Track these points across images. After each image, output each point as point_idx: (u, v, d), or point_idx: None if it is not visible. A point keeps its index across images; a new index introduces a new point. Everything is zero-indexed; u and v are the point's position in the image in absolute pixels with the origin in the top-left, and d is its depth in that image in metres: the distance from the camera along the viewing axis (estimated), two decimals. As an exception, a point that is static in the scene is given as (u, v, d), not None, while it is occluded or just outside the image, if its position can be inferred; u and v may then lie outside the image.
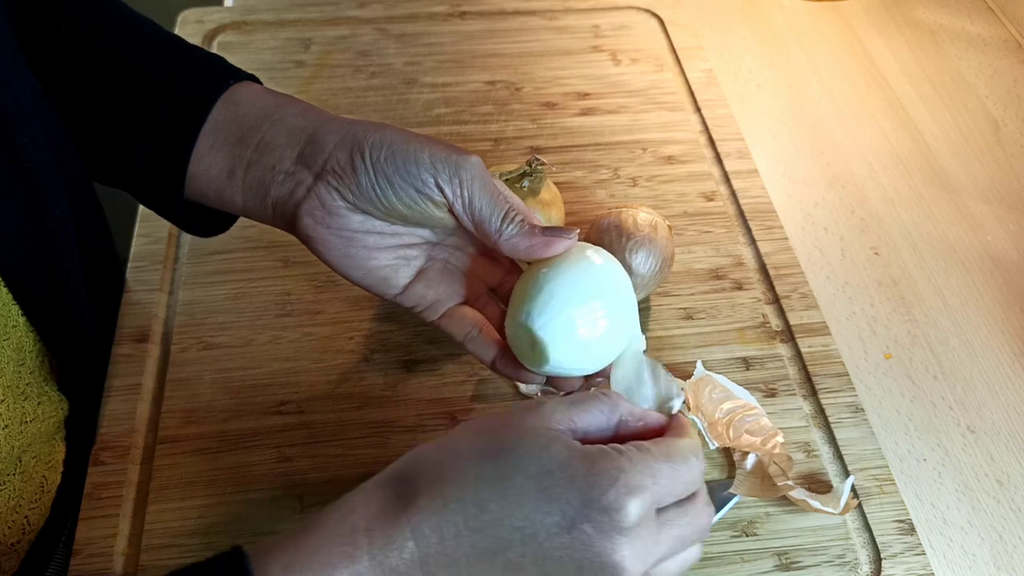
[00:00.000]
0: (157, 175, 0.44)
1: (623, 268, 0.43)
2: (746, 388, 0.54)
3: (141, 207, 0.62)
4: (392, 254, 0.43)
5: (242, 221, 0.61)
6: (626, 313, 0.42)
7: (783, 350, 0.56)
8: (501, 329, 0.43)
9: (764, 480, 0.49)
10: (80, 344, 0.50)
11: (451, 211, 0.40)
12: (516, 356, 0.42)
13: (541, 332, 0.40)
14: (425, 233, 0.43)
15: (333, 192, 0.41)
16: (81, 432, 0.52)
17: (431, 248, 0.44)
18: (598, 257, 0.42)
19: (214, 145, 0.43)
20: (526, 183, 0.55)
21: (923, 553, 0.47)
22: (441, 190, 0.40)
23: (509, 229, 0.40)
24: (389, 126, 0.42)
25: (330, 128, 0.42)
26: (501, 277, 0.45)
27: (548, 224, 0.42)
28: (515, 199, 0.41)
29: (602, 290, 0.41)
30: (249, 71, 0.46)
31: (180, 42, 0.48)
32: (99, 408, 0.52)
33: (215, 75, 0.45)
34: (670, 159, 0.67)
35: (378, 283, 0.43)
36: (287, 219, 0.43)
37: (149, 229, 0.61)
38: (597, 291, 0.40)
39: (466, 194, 0.40)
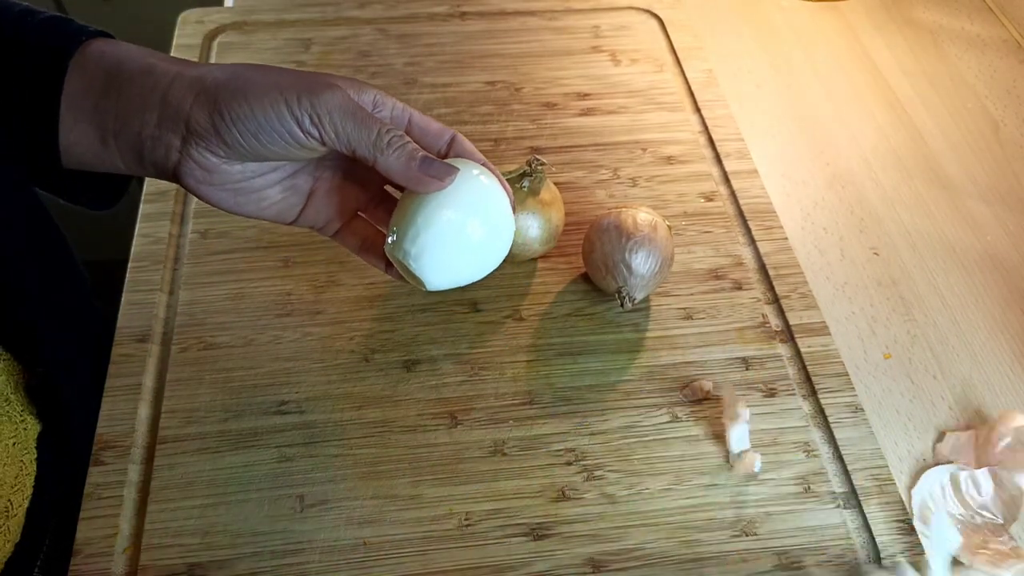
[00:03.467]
0: (33, 159, 0.43)
1: (494, 181, 0.45)
2: (746, 388, 0.54)
3: (142, 207, 0.62)
4: (279, 188, 0.44)
5: (242, 221, 0.61)
6: (497, 224, 0.45)
7: (783, 350, 0.56)
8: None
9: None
10: (39, 357, 0.50)
11: (324, 144, 0.41)
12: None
13: (412, 263, 0.43)
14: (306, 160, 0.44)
15: (204, 152, 0.40)
16: (54, 450, 0.52)
17: (315, 168, 0.45)
18: (465, 180, 0.44)
19: (77, 118, 0.42)
20: (526, 183, 0.55)
21: (922, 553, 0.47)
22: (307, 132, 0.40)
23: (383, 157, 0.41)
24: (240, 70, 0.41)
25: (181, 84, 0.41)
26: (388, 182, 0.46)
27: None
28: (382, 120, 0.41)
29: (472, 209, 0.43)
30: None
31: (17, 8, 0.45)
32: (72, 425, 0.52)
33: (58, 43, 0.42)
34: (670, 159, 0.68)
35: (275, 217, 0.45)
36: (169, 178, 0.43)
37: (149, 229, 0.61)
38: (466, 210, 0.43)
39: (330, 129, 0.40)
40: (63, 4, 1.39)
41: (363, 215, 0.48)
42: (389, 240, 0.44)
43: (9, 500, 0.49)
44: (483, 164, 0.45)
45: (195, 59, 0.73)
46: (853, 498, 0.49)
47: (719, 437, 0.52)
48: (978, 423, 0.55)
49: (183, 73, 0.41)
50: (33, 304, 0.50)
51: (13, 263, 0.48)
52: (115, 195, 0.49)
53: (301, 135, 0.40)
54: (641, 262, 0.53)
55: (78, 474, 0.49)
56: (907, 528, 0.48)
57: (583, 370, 0.54)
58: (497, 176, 0.45)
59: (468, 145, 0.45)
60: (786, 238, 0.62)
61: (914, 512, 0.50)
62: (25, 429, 0.50)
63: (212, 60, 0.73)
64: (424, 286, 0.44)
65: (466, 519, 0.48)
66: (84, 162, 0.43)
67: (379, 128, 0.40)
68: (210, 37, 0.76)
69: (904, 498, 0.50)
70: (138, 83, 0.41)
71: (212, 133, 0.40)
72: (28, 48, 0.41)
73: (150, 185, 0.63)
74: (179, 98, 0.40)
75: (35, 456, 0.51)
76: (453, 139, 0.45)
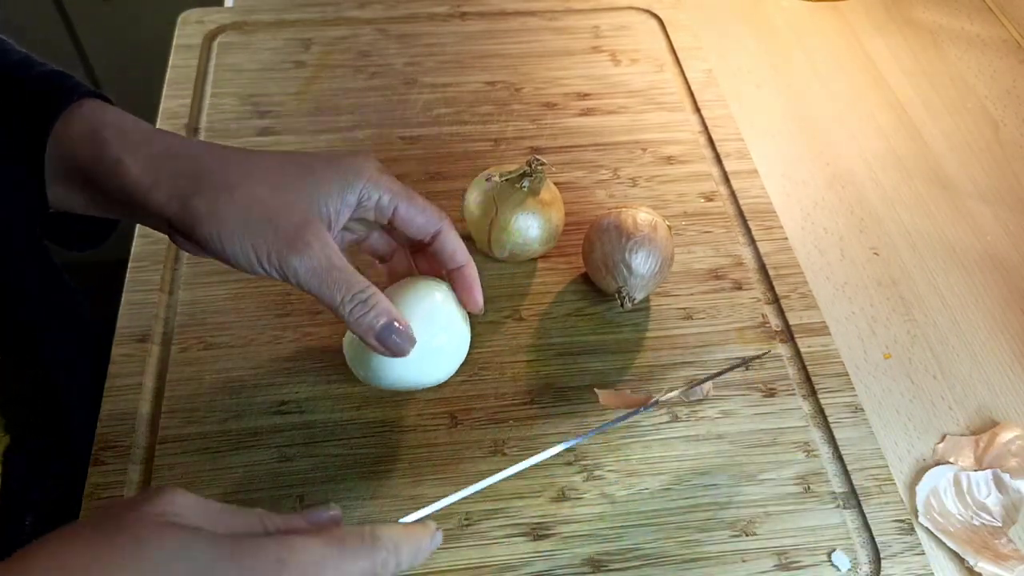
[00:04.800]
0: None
1: (450, 299, 0.48)
2: (746, 388, 0.54)
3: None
4: None
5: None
6: (446, 342, 0.47)
7: (783, 350, 0.56)
8: None
9: None
10: (38, 358, 0.50)
11: None
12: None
13: (360, 372, 0.47)
14: None
15: (190, 245, 0.41)
16: (21, 467, 0.51)
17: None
18: (423, 299, 0.46)
19: (68, 189, 0.41)
20: (526, 183, 0.55)
21: (923, 553, 0.47)
22: (275, 277, 0.40)
23: (348, 319, 0.41)
24: (217, 181, 0.39)
25: (160, 193, 0.39)
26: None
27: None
28: (355, 280, 0.40)
29: (426, 330, 0.45)
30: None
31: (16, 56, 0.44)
32: (72, 425, 0.52)
33: (44, 108, 0.41)
34: (670, 159, 0.68)
35: None
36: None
37: (149, 229, 0.61)
38: (420, 330, 0.45)
39: (297, 283, 0.40)
40: (63, 4, 1.39)
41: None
42: (345, 342, 0.48)
43: None
44: (462, 265, 0.46)
45: (195, 60, 0.73)
46: (853, 498, 0.49)
47: (719, 437, 0.52)
48: (979, 425, 0.55)
49: (164, 175, 0.39)
50: (33, 305, 0.50)
51: (13, 263, 0.48)
52: (102, 236, 0.48)
53: (270, 276, 0.40)
54: (641, 262, 0.53)
55: (78, 474, 0.49)
56: (907, 528, 0.48)
57: (583, 370, 0.54)
58: (469, 281, 0.47)
59: (453, 240, 0.45)
60: (786, 238, 0.62)
61: (919, 509, 0.50)
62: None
63: (212, 60, 0.73)
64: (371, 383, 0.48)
65: (466, 519, 0.48)
66: (72, 209, 0.43)
67: (343, 295, 0.40)
68: (210, 37, 0.76)
69: (904, 498, 0.50)
70: (118, 182, 0.40)
71: (194, 245, 0.40)
72: (15, 104, 0.41)
73: (150, 185, 0.63)
74: (160, 204, 0.39)
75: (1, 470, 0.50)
76: (438, 234, 0.45)
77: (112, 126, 0.40)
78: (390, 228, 0.45)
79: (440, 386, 0.53)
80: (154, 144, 0.40)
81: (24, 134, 0.40)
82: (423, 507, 0.48)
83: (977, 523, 0.50)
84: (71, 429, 0.52)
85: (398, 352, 0.42)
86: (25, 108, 0.41)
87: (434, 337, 0.46)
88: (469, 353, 0.49)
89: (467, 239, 0.60)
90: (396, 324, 0.41)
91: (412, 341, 0.42)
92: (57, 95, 0.41)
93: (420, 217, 0.43)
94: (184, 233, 0.40)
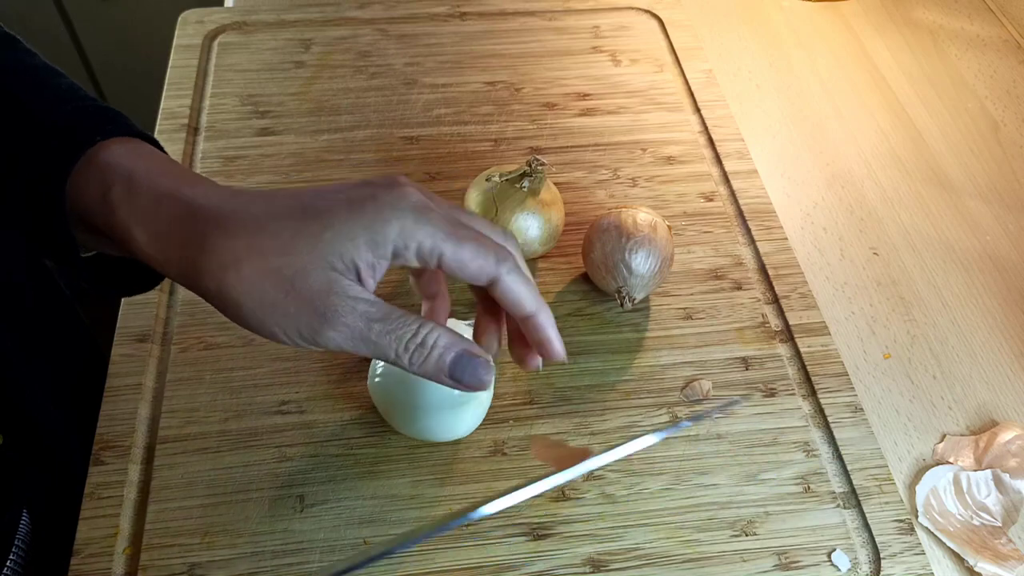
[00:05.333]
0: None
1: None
2: (746, 388, 0.54)
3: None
4: None
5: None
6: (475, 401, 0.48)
7: (782, 350, 0.56)
8: None
9: None
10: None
11: None
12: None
13: (404, 430, 0.49)
14: None
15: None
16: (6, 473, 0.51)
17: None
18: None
19: (95, 237, 0.38)
20: (526, 183, 0.55)
21: (922, 553, 0.47)
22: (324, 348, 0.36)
23: (413, 368, 0.36)
24: (230, 272, 0.34)
25: (171, 269, 0.36)
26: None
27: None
28: (402, 327, 0.35)
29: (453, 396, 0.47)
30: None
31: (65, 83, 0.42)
32: (39, 433, 0.52)
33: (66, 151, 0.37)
34: (670, 159, 0.68)
35: None
36: None
37: (149, 229, 0.61)
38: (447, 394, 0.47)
39: (341, 348, 0.35)
40: (63, 4, 1.39)
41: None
42: (373, 380, 0.48)
43: None
44: (531, 315, 0.38)
45: (195, 60, 0.73)
46: (853, 498, 0.49)
47: (719, 437, 0.52)
48: (978, 425, 0.55)
49: (168, 257, 0.36)
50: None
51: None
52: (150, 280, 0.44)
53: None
54: (641, 262, 0.53)
55: (56, 482, 0.49)
56: (907, 528, 0.48)
57: (583, 370, 0.54)
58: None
59: (516, 287, 0.37)
60: (786, 238, 0.62)
61: (919, 509, 0.50)
62: None
63: (212, 60, 0.73)
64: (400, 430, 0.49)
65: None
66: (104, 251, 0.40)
67: (395, 349, 0.35)
68: (210, 37, 0.76)
69: (904, 498, 0.50)
70: (138, 248, 0.36)
71: (221, 311, 0.36)
72: (32, 162, 0.38)
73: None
74: (174, 279, 0.36)
75: None
76: (497, 280, 0.37)
77: (121, 184, 0.36)
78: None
79: (440, 386, 0.53)
80: (161, 207, 0.36)
81: (42, 195, 0.37)
82: (423, 508, 0.48)
83: (977, 523, 0.50)
84: (39, 437, 0.52)
85: (481, 387, 0.37)
86: (40, 165, 0.38)
87: (455, 392, 0.46)
88: None
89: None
90: (467, 354, 0.36)
91: (491, 369, 0.37)
92: (67, 150, 0.37)
93: (472, 263, 0.36)
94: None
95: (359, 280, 0.35)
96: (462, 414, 0.48)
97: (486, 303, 0.41)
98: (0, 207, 0.38)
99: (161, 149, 0.40)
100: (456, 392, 0.46)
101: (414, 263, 0.35)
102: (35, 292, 0.53)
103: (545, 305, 0.38)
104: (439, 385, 0.42)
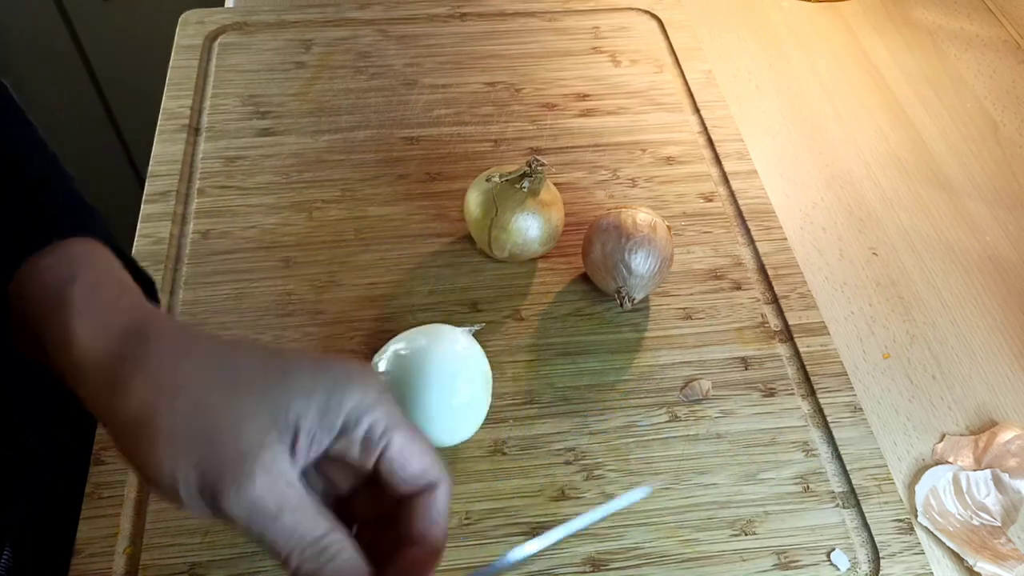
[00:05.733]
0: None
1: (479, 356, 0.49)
2: (745, 387, 0.54)
3: (143, 208, 0.62)
4: None
5: (243, 222, 0.61)
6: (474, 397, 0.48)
7: (782, 350, 0.56)
8: None
9: None
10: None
11: None
12: None
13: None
14: None
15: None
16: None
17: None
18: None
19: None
20: (526, 184, 0.55)
21: (922, 552, 0.47)
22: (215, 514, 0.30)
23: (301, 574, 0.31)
24: (165, 392, 0.30)
25: (117, 378, 0.31)
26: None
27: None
28: (312, 525, 0.30)
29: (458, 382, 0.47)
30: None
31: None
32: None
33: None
34: (669, 160, 0.68)
35: None
36: None
37: (150, 230, 0.61)
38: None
39: (238, 526, 0.30)
40: (63, 4, 1.39)
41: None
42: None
43: None
44: (433, 546, 0.32)
45: (195, 60, 0.73)
46: (852, 497, 0.50)
47: (719, 437, 0.52)
48: (978, 425, 0.55)
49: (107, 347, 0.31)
50: None
51: None
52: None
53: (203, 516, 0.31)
54: (641, 262, 0.54)
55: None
56: (906, 527, 0.48)
57: (583, 370, 0.54)
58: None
59: (442, 508, 0.33)
60: (785, 238, 0.63)
61: (918, 509, 0.50)
62: None
63: (213, 61, 0.73)
64: None
65: (466, 518, 0.48)
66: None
67: (291, 547, 0.30)
68: (211, 38, 0.76)
69: (903, 497, 0.51)
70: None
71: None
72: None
73: (151, 185, 0.63)
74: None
75: None
76: (431, 490, 0.32)
77: (84, 279, 0.33)
78: (369, 471, 0.33)
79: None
80: (120, 317, 0.32)
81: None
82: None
83: (976, 523, 0.50)
84: (27, 464, 0.52)
85: None
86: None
87: (456, 393, 0.47)
88: None
89: (468, 239, 0.61)
90: None
91: None
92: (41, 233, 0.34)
93: (418, 461, 0.32)
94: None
95: (291, 451, 0.30)
96: (461, 419, 0.48)
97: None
98: None
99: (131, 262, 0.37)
100: (456, 398, 0.46)
101: (355, 448, 0.31)
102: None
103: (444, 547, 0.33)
104: (439, 390, 0.42)
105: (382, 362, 0.48)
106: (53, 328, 0.32)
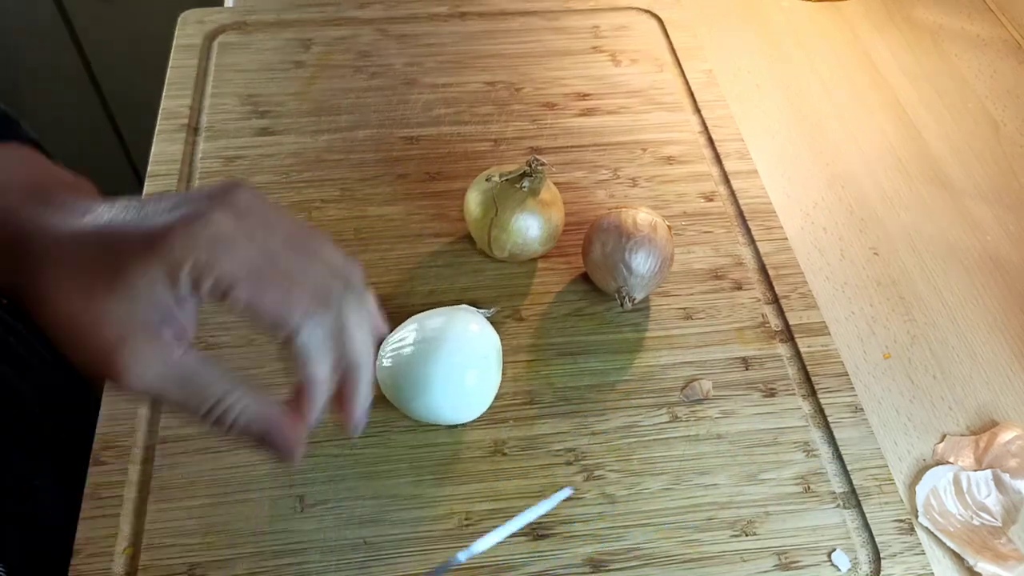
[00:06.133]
0: None
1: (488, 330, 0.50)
2: (746, 388, 0.54)
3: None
4: None
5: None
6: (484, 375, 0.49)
7: (782, 350, 0.56)
8: None
9: None
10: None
11: None
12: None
13: (412, 412, 0.49)
14: None
15: None
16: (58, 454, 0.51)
17: None
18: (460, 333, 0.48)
19: None
20: (526, 183, 0.55)
21: (922, 553, 0.47)
22: None
23: (216, 433, 0.35)
24: (43, 301, 0.32)
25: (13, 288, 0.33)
26: None
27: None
28: (206, 391, 0.33)
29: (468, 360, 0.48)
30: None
31: None
32: (75, 428, 0.52)
33: None
34: (670, 159, 0.68)
35: None
36: None
37: (149, 229, 0.61)
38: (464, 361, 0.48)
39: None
40: (63, 3, 1.39)
41: None
42: (381, 364, 0.48)
43: None
44: (313, 381, 0.35)
45: (195, 60, 0.73)
46: (853, 498, 0.49)
47: (720, 437, 0.52)
48: (978, 425, 0.55)
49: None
50: None
51: None
52: None
53: None
54: (641, 262, 0.53)
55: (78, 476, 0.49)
56: (907, 528, 0.48)
57: (583, 370, 0.54)
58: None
59: (307, 353, 0.34)
60: (786, 238, 0.62)
61: (919, 509, 0.50)
62: None
63: (212, 60, 0.73)
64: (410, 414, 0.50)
65: (466, 519, 0.48)
66: None
67: (198, 401, 0.33)
68: (210, 37, 0.76)
69: (904, 498, 0.50)
70: None
71: None
72: None
73: (150, 185, 0.63)
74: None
75: None
76: (292, 339, 0.33)
77: None
78: None
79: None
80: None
81: None
82: (423, 508, 0.48)
83: (977, 523, 0.50)
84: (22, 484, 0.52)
85: (283, 459, 0.35)
86: None
87: (465, 374, 0.47)
88: None
89: (468, 239, 0.60)
90: (271, 431, 0.34)
91: (297, 445, 0.35)
92: None
93: (269, 311, 0.32)
94: None
95: (167, 320, 0.32)
96: (471, 396, 0.49)
97: None
98: None
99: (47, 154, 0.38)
100: (466, 377, 0.47)
101: (215, 301, 0.32)
102: None
103: (359, 364, 0.35)
104: (448, 368, 0.44)
105: (400, 339, 0.49)
106: None
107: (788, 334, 0.57)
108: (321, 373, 0.34)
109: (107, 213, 0.33)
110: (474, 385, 0.48)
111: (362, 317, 0.35)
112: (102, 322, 0.31)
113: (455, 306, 0.51)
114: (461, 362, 0.47)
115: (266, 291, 0.32)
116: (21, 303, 0.33)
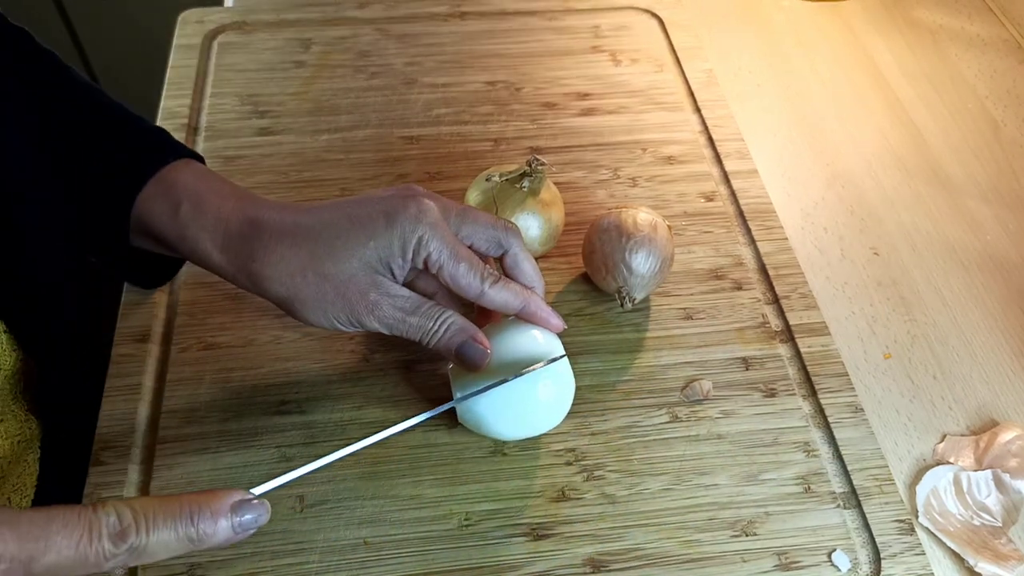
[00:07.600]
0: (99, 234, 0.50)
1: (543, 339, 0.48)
2: (746, 388, 0.54)
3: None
4: None
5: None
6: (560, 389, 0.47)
7: (783, 350, 0.56)
8: None
9: None
10: (58, 359, 0.50)
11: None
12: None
13: (482, 430, 0.47)
14: None
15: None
16: (57, 453, 0.51)
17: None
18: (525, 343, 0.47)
19: (142, 241, 0.49)
20: (526, 183, 0.55)
21: (923, 553, 0.47)
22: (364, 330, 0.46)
23: (431, 344, 0.46)
24: (297, 278, 0.44)
25: (242, 278, 0.46)
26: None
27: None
28: (427, 317, 0.45)
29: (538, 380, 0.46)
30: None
31: (124, 116, 0.52)
32: (76, 428, 0.52)
33: (145, 158, 0.48)
34: (670, 159, 0.68)
35: None
36: None
37: (149, 229, 0.61)
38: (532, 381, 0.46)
39: (377, 330, 0.46)
40: (63, 3, 1.39)
41: None
42: (474, 410, 0.46)
43: (8, 498, 0.49)
44: (518, 311, 0.47)
45: (195, 60, 0.73)
46: (853, 498, 0.49)
47: (720, 437, 0.52)
48: (979, 425, 0.55)
49: (239, 268, 0.45)
50: (59, 307, 0.50)
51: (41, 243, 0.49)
52: (165, 276, 0.56)
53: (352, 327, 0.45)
54: (641, 262, 0.53)
55: (78, 475, 0.49)
56: (907, 528, 0.48)
57: (583, 370, 0.54)
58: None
59: (499, 300, 0.46)
60: (786, 238, 0.62)
61: (919, 509, 0.50)
62: (30, 428, 0.50)
63: (212, 60, 0.73)
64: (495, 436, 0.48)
65: (466, 519, 0.48)
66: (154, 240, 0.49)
67: (420, 335, 0.45)
68: (210, 37, 0.76)
69: (904, 498, 0.50)
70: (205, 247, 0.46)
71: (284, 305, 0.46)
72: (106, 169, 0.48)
73: (150, 185, 0.63)
74: (242, 285, 0.46)
75: (39, 456, 0.51)
76: (480, 297, 0.46)
77: (189, 202, 0.46)
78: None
79: (440, 386, 0.53)
80: (230, 224, 0.45)
81: (111, 201, 0.47)
82: (423, 508, 0.48)
83: (977, 523, 0.50)
84: (72, 429, 0.52)
85: (475, 366, 0.45)
86: (113, 175, 0.48)
87: (537, 387, 0.45)
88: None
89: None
90: (470, 340, 0.45)
91: (486, 353, 0.45)
92: (137, 167, 0.48)
93: (462, 279, 0.45)
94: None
95: (393, 277, 0.44)
96: (542, 411, 0.47)
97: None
98: (76, 213, 0.49)
99: (203, 162, 0.51)
100: (544, 391, 0.46)
101: (420, 267, 0.45)
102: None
103: (530, 295, 0.47)
104: (529, 384, 0.45)
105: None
106: (187, 252, 0.47)
107: (788, 334, 0.57)
108: (520, 301, 0.46)
109: (324, 205, 0.45)
110: (548, 398, 0.46)
111: (525, 251, 0.48)
112: (358, 276, 0.44)
113: (516, 323, 0.48)
114: (532, 376, 0.46)
115: (460, 266, 0.44)
116: (247, 285, 0.45)
